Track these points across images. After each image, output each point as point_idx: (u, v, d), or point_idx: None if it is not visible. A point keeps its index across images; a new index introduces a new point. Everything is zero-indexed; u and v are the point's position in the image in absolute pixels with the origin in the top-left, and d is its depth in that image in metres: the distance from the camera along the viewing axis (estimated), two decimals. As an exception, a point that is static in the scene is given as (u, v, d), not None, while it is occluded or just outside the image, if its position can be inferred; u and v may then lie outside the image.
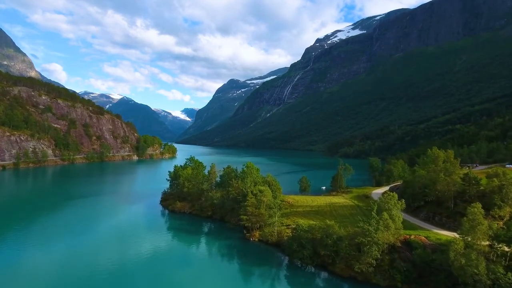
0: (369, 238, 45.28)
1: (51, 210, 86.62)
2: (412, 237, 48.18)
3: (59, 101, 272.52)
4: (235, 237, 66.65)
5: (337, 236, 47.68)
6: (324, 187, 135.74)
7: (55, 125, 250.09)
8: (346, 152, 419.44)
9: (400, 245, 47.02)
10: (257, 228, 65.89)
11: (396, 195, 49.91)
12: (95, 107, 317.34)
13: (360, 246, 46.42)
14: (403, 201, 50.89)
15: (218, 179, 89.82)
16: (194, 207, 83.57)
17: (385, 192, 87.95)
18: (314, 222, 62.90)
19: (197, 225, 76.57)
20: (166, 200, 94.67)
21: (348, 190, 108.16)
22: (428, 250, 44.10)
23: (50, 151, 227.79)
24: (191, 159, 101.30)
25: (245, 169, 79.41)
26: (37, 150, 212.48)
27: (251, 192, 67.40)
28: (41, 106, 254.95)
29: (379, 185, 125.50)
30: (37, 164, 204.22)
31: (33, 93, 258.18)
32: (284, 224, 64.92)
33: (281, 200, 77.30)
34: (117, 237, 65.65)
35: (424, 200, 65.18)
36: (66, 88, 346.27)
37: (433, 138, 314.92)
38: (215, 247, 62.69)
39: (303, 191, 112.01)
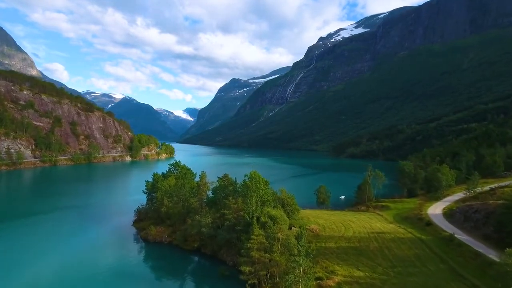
0: None
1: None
2: None
3: (43, 96, 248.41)
4: (233, 294, 41.70)
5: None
6: (342, 197, 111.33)
7: (37, 123, 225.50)
8: (353, 152, 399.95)
9: None
10: (267, 280, 40.04)
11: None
12: (84, 103, 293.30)
13: None
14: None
15: (210, 192, 64.85)
16: (175, 235, 57.89)
17: (449, 214, 60.71)
18: (362, 274, 38.87)
19: (176, 267, 51.22)
20: (141, 220, 69.25)
21: (382, 204, 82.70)
22: None
23: (28, 152, 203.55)
24: (176, 165, 75.90)
25: (247, 181, 51.73)
26: (12, 150, 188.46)
27: (257, 219, 43.31)
28: (21, 102, 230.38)
29: (412, 195, 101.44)
30: (11, 167, 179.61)
31: (13, 88, 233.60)
32: (313, 277, 39.28)
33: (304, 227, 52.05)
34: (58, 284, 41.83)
35: (549, 241, 40.58)
36: (52, 83, 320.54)
37: (447, 137, 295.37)
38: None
39: (321, 204, 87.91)
